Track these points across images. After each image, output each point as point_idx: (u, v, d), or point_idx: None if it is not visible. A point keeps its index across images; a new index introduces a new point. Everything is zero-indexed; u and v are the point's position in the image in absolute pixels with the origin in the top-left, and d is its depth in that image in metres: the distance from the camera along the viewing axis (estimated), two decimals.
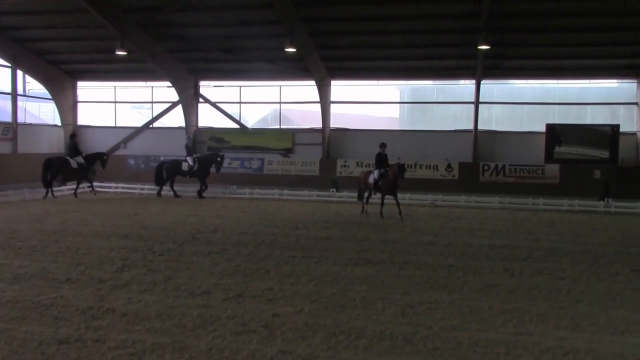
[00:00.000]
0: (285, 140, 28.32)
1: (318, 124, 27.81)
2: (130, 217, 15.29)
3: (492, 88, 26.82)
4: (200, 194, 21.76)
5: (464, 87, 27.15)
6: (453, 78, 27.09)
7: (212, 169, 22.47)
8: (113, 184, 22.79)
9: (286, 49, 22.63)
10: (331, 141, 27.98)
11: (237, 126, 29.24)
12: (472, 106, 26.26)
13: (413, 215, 17.01)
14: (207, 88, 29.83)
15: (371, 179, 16.77)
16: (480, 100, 26.11)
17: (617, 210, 19.16)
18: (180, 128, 29.32)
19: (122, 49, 23.23)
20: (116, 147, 29.67)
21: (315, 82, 26.64)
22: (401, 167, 16.04)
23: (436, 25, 22.58)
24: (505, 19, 21.83)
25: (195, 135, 29.57)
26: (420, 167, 26.12)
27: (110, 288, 7.81)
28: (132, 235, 12.26)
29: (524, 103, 26.91)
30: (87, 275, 8.52)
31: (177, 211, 16.89)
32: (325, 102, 27.50)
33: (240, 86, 29.36)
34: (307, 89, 27.71)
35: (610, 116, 26.13)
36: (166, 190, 22.05)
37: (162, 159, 25.16)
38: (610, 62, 24.43)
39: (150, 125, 30.16)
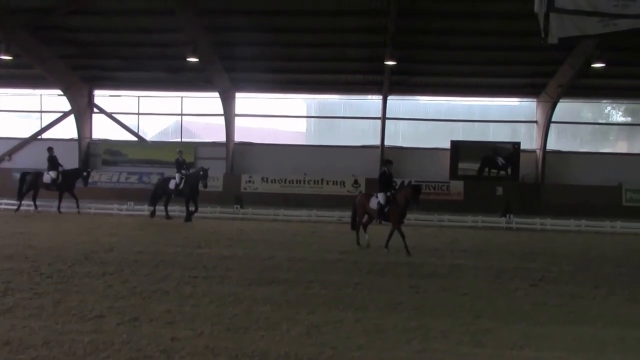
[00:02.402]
0: (186, 154, 27.79)
1: (222, 138, 27.61)
2: (15, 236, 14.33)
3: (399, 104, 27.91)
4: (188, 216, 19.30)
5: (371, 102, 28.05)
6: (360, 93, 27.91)
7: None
8: None
9: (188, 59, 22.39)
10: (235, 156, 27.85)
11: (135, 138, 28.37)
12: (379, 121, 27.19)
13: (320, 232, 17.21)
14: (103, 97, 28.84)
15: (374, 204, 13.91)
16: (387, 115, 27.10)
17: (518, 226, 20.43)
18: (72, 140, 28.06)
19: (6, 52, 22.04)
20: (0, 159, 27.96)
21: (219, 93, 26.49)
22: (417, 190, 13.46)
23: (343, 39, 23.25)
24: (412, 35, 22.88)
25: (88, 148, 28.37)
26: (327, 182, 26.59)
27: None
28: (16, 255, 11.48)
29: (430, 119, 28.19)
30: None
31: (69, 229, 16.05)
32: (229, 114, 27.38)
33: (138, 96, 28.63)
34: (210, 100, 27.50)
35: (512, 134, 28.03)
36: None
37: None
38: (511, 81, 26.29)
39: (39, 137, 28.64)
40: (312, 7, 21.45)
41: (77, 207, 20.94)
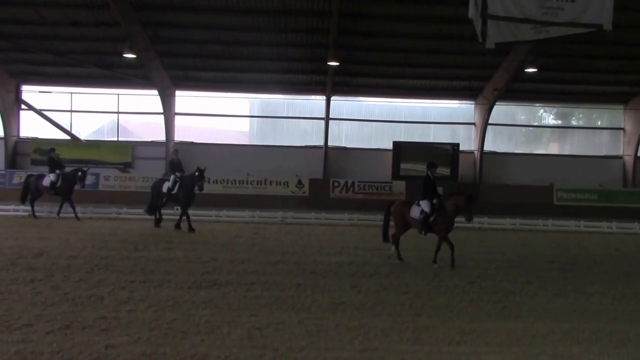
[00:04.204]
0: (123, 154, 27.18)
1: (161, 137, 27.09)
2: None
3: (342, 104, 28.18)
4: (178, 222, 17.34)
5: (315, 102, 28.19)
6: (304, 93, 28.01)
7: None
8: None
9: (124, 55, 21.84)
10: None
11: (68, 137, 27.43)
12: (323, 122, 27.36)
13: (263, 234, 17.17)
14: (32, 93, 27.71)
15: (415, 213, 12.33)
16: (331, 116, 27.30)
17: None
18: None
19: None
20: None
21: (158, 91, 25.98)
22: (471, 198, 11.82)
23: (286, 38, 23.28)
24: (354, 37, 23.15)
25: (16, 147, 27.24)
26: (271, 183, 26.52)
27: None
28: None
29: (372, 120, 28.62)
30: None
31: None
32: (169, 113, 26.91)
33: (71, 93, 27.69)
34: (149, 98, 26.93)
35: (451, 135, 28.84)
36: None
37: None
38: (450, 83, 27.06)
39: None
40: (255, 6, 21.36)
41: (75, 213, 19.49)
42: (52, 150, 20.54)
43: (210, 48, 24.28)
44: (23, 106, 27.60)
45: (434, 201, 12.12)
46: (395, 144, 27.48)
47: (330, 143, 27.62)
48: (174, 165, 17.94)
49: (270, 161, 27.16)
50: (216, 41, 23.68)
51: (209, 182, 26.28)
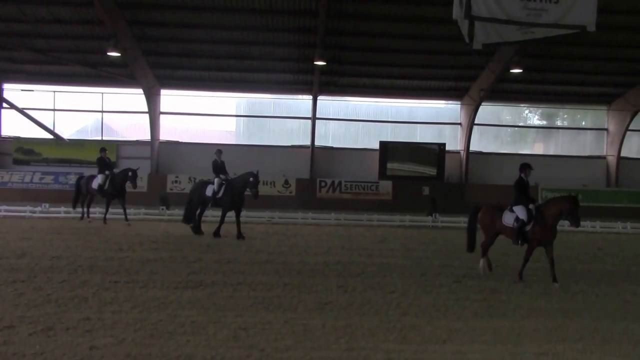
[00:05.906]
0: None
1: (146, 136, 26.92)
2: None
3: (329, 104, 28.22)
4: (218, 229, 16.03)
5: (301, 102, 28.19)
6: (290, 93, 28.01)
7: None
8: None
9: (109, 53, 21.70)
10: (161, 155, 27.25)
11: (51, 136, 27.17)
12: (309, 122, 27.37)
13: (249, 233, 17.12)
14: (13, 91, 27.40)
15: (508, 221, 10.98)
16: (317, 116, 27.32)
17: (443, 224, 21.13)
18: None
19: None
20: None
21: (143, 90, 25.83)
22: (575, 203, 10.32)
23: (273, 38, 23.26)
24: (341, 36, 23.19)
25: None
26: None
27: None
28: None
29: (359, 120, 28.67)
30: None
31: None
32: (154, 112, 26.76)
33: (54, 91, 27.44)
34: (133, 97, 26.77)
35: (438, 135, 29.01)
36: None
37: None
38: (437, 84, 27.20)
39: None
40: (242, 5, 21.32)
41: (126, 218, 18.90)
42: (103, 150, 19.85)
43: (196, 47, 24.19)
44: (4, 105, 27.29)
45: (530, 207, 10.78)
46: (382, 143, 27.57)
47: (317, 143, 27.64)
48: (218, 167, 16.45)
49: (256, 161, 26.98)
50: (202, 40, 23.61)
51: (194, 181, 26.27)
